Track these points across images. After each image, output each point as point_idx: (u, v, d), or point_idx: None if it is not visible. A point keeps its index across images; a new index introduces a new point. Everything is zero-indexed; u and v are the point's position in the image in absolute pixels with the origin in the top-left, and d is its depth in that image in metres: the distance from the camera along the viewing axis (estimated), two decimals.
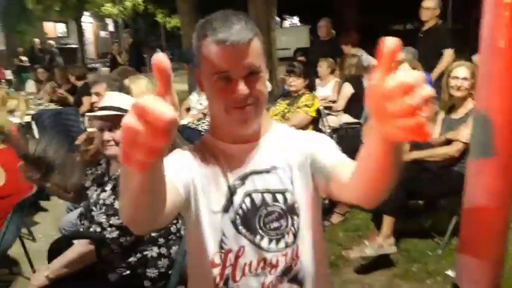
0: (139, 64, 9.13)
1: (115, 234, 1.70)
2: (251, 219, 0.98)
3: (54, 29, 19.04)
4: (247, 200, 0.98)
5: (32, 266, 2.65)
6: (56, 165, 1.89)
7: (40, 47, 11.30)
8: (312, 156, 0.99)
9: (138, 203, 0.68)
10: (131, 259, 1.77)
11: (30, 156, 1.84)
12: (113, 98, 1.83)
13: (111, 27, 23.17)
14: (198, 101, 5.54)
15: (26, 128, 4.17)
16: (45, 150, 1.86)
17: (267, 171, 1.00)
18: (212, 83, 0.91)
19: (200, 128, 4.80)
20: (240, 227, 0.98)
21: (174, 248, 1.86)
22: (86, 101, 5.11)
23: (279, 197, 0.99)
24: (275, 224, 0.99)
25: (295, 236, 1.00)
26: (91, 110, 5.21)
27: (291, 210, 1.00)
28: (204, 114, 4.99)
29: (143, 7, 15.55)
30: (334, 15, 9.08)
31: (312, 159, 0.99)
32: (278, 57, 8.55)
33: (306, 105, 3.44)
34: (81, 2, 14.66)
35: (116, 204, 1.71)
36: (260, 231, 0.98)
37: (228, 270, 0.99)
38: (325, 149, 1.00)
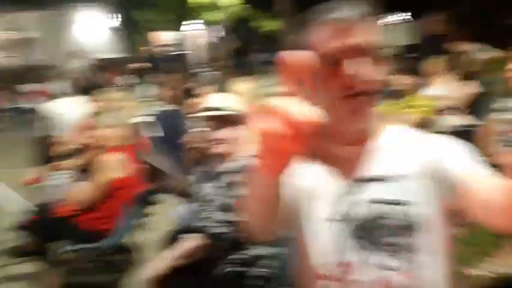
0: (241, 68, 9.51)
1: (224, 230, 1.75)
2: (362, 231, 0.88)
3: (167, 36, 20.80)
4: (359, 210, 0.89)
5: (144, 255, 2.85)
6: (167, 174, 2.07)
7: (155, 55, 12.38)
8: (438, 163, 0.86)
9: (265, 208, 0.66)
10: (237, 257, 1.81)
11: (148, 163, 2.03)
12: (216, 99, 1.93)
13: (218, 33, 24.55)
14: None
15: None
16: (161, 164, 2.05)
17: (383, 179, 0.89)
18: (319, 72, 0.84)
19: None
20: (350, 239, 0.89)
21: (280, 250, 1.85)
22: (190, 102, 5.50)
23: (397, 209, 0.87)
24: (390, 239, 0.87)
25: (414, 254, 0.87)
26: (195, 110, 5.58)
27: (410, 225, 0.87)
28: None
29: (246, 12, 16.18)
30: (445, 9, 8.35)
31: (437, 167, 0.86)
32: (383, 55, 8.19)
33: (415, 106, 3.21)
34: (190, 11, 15.84)
35: (225, 201, 1.76)
36: (373, 246, 0.88)
37: (336, 287, 0.90)
38: (455, 156, 0.86)
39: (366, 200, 0.89)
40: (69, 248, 2.41)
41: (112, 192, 2.40)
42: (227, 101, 1.90)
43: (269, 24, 16.12)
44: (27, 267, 2.86)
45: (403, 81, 3.32)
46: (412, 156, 0.89)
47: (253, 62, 20.38)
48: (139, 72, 12.06)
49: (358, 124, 0.88)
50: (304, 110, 0.47)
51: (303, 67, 0.50)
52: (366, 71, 0.84)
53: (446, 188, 0.85)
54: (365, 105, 0.86)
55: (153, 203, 2.86)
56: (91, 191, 2.42)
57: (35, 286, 2.70)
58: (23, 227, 3.21)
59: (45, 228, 2.49)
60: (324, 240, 0.91)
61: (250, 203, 0.69)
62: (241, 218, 0.81)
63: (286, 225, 0.88)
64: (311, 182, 0.92)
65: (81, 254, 2.72)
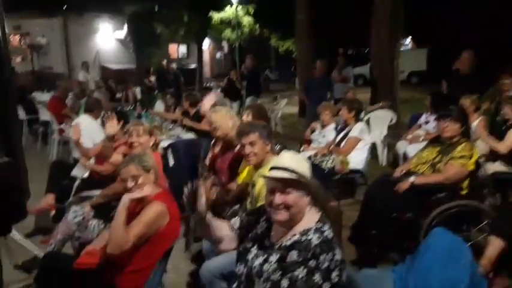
0: (257, 89, 9.33)
1: None
2: None
3: (177, 51, 20.82)
4: None
5: None
6: None
7: (165, 68, 12.26)
8: None
9: None
10: None
11: None
12: (287, 159, 1.67)
13: (225, 49, 24.83)
14: (321, 134, 5.23)
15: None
16: None
17: None
18: None
19: (323, 166, 4.42)
20: None
21: None
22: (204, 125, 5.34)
23: None
24: None
25: None
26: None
27: None
28: (330, 151, 4.63)
29: (259, 31, 16.23)
30: (452, 36, 8.25)
31: None
32: None
33: (463, 157, 2.99)
34: (204, 27, 15.87)
35: (284, 283, 1.51)
36: None
37: None
38: None
39: None
40: None
41: None
42: (297, 161, 1.66)
43: (285, 44, 16.18)
44: None
45: (450, 127, 3.10)
46: None
47: (267, 79, 20.42)
48: (151, 87, 11.95)
49: None
50: None
51: None
52: None
53: None
54: None
55: None
56: None
57: None
58: None
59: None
60: None
61: None
62: None
63: None
64: None
65: None
